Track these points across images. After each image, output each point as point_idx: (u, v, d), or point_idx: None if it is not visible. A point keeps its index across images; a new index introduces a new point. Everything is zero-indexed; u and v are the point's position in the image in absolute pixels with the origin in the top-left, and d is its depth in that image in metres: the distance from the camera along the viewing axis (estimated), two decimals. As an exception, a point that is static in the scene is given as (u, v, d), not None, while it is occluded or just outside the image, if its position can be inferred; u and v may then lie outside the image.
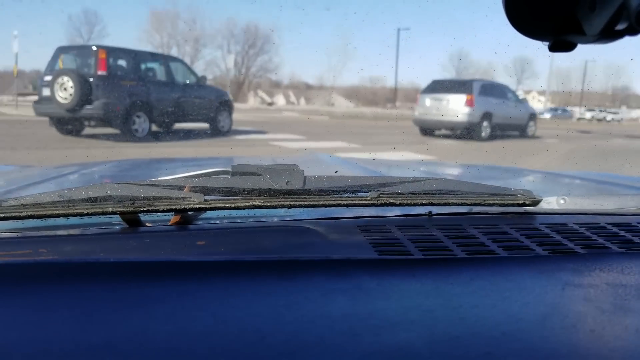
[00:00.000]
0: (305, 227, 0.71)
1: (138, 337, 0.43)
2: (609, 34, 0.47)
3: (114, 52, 9.54)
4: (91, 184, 0.70)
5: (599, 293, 0.54)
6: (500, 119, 12.39)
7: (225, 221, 0.82)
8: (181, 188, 0.71)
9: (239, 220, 0.84)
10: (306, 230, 0.70)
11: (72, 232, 0.70)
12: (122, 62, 9.55)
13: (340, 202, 0.75)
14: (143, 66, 9.99)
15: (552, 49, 0.53)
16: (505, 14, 0.51)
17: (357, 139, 9.21)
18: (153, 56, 10.94)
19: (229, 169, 0.79)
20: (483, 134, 11.83)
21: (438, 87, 12.76)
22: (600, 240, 0.71)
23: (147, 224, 0.73)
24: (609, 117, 32.94)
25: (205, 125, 10.90)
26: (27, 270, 0.56)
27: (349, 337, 0.43)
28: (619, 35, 0.46)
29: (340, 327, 0.45)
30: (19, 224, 0.73)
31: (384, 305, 0.49)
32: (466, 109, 11.69)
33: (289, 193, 0.72)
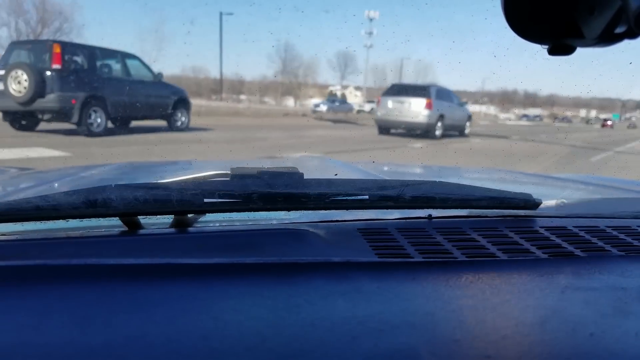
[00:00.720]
0: (305, 230, 0.72)
1: (138, 340, 0.43)
2: (608, 38, 0.47)
3: (69, 46, 9.60)
4: (91, 187, 0.68)
5: (598, 296, 0.54)
6: (449, 120, 13.69)
7: (225, 224, 0.82)
8: (180, 191, 0.70)
9: (238, 223, 0.83)
10: (306, 233, 0.71)
11: (71, 234, 0.69)
12: (77, 57, 9.56)
13: (339, 205, 0.76)
14: (99, 62, 10.01)
15: (552, 52, 0.53)
16: (505, 18, 0.51)
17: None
18: (109, 52, 10.81)
19: (228, 171, 0.79)
20: (437, 133, 13.01)
21: (398, 90, 13.80)
22: (600, 244, 0.72)
23: (147, 227, 0.72)
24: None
25: (162, 122, 10.79)
26: (26, 273, 0.56)
27: (349, 340, 0.43)
28: (618, 38, 0.47)
29: (340, 330, 0.45)
30: (18, 226, 0.72)
31: (384, 308, 0.50)
32: (426, 112, 12.83)
33: (289, 196, 0.72)
